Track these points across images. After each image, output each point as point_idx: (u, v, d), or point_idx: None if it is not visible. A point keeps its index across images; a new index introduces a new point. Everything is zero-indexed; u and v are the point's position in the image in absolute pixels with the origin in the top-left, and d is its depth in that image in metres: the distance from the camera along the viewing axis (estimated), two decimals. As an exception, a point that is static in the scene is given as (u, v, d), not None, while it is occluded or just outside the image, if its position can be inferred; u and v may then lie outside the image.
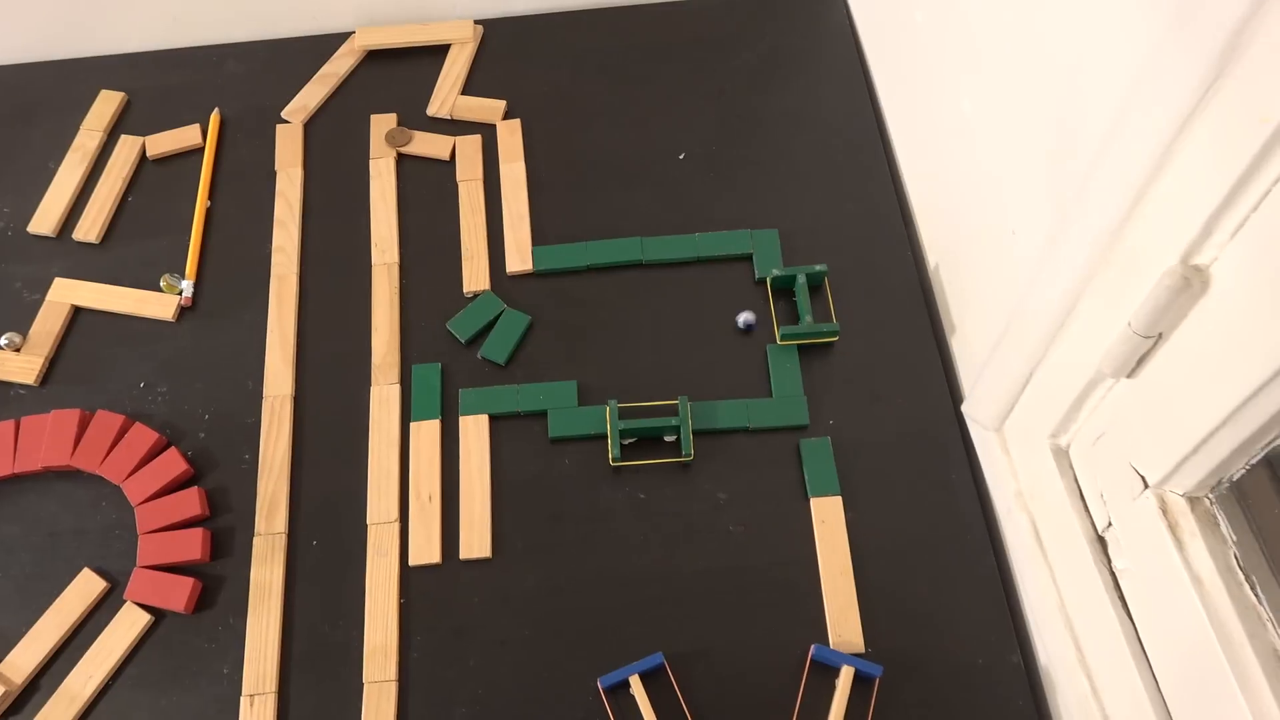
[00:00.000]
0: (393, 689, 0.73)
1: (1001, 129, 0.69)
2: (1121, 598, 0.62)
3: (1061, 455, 0.68)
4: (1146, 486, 0.57)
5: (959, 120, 0.77)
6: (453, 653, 0.75)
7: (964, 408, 0.80)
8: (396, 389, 0.84)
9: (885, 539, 0.78)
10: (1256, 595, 0.52)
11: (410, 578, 0.77)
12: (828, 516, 0.78)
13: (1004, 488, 0.74)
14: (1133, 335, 0.54)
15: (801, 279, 0.85)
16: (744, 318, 0.85)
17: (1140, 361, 0.56)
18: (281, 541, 0.78)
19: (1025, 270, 0.67)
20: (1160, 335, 0.54)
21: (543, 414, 0.83)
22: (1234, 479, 0.54)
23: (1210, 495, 0.56)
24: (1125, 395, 0.59)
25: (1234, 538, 0.54)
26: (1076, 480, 0.66)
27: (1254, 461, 0.52)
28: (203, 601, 0.77)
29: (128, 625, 0.75)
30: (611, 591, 0.76)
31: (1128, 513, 0.60)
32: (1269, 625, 0.52)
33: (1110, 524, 0.62)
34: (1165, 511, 0.56)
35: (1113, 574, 0.63)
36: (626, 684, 0.72)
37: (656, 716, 0.71)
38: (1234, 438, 0.51)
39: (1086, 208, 0.55)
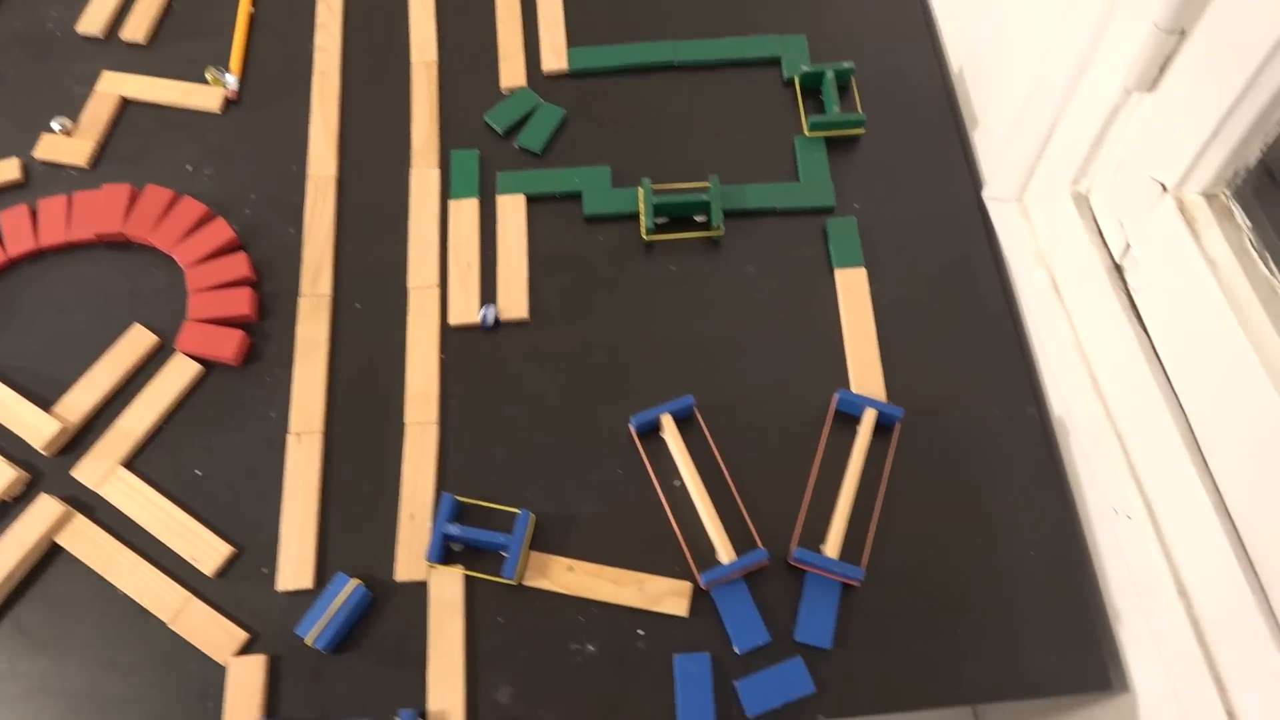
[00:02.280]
0: (434, 429, 0.76)
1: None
2: (1138, 316, 0.65)
3: (1081, 200, 0.71)
4: (1165, 191, 0.60)
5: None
6: (491, 402, 0.78)
7: (985, 192, 0.83)
8: (436, 172, 0.87)
9: (907, 307, 0.81)
10: (1270, 270, 0.55)
11: (450, 337, 0.81)
12: (852, 285, 0.81)
13: (1023, 252, 0.77)
14: (1158, 34, 0.57)
15: (829, 75, 0.88)
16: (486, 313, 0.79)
17: (1163, 69, 0.59)
18: (326, 303, 0.82)
19: (1043, 37, 0.70)
20: (1183, 32, 0.57)
21: (577, 196, 0.86)
22: (1249, 168, 0.57)
23: (1226, 190, 0.59)
24: (1146, 114, 0.62)
25: (1248, 224, 0.57)
26: (1095, 219, 0.69)
27: (1269, 143, 0.55)
28: (251, 355, 0.80)
29: (178, 373, 0.79)
30: (643, 351, 0.80)
31: (1146, 227, 0.63)
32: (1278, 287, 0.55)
33: (1128, 247, 0.65)
34: (1183, 210, 0.59)
35: (1129, 295, 0.66)
36: (657, 429, 0.76)
37: (689, 454, 0.74)
38: (1245, 119, 0.54)
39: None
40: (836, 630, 0.69)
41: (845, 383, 0.78)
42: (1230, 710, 0.56)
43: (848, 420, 0.76)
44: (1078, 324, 0.71)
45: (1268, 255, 0.55)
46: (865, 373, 0.78)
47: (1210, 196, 0.59)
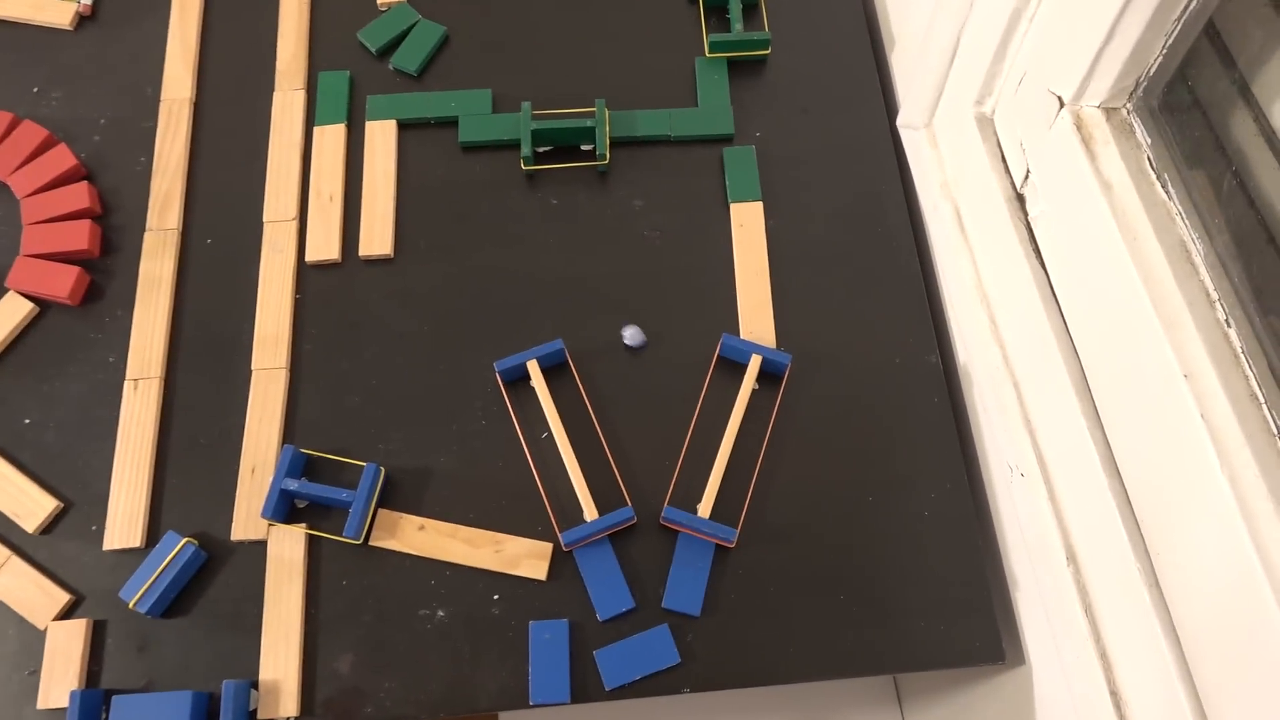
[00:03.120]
0: (282, 375, 0.70)
1: None
2: (1037, 250, 0.58)
3: (985, 123, 0.63)
4: (1062, 106, 0.53)
5: None
6: (348, 345, 0.71)
7: (899, 119, 0.75)
8: (301, 95, 0.79)
9: (807, 246, 0.74)
10: (1167, 193, 0.49)
11: (307, 276, 0.74)
12: (747, 220, 0.74)
13: (930, 183, 0.70)
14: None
15: (734, -11, 0.80)
16: (630, 334, 0.70)
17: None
18: (174, 238, 0.75)
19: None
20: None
21: (454, 122, 0.78)
22: (1150, 77, 0.49)
23: (1127, 105, 0.51)
24: (1043, 17, 0.55)
25: (1148, 141, 0.50)
26: (999, 143, 0.62)
27: (1170, 45, 0.47)
28: (91, 294, 0.73)
29: (9, 313, 0.72)
30: (517, 291, 0.73)
31: (1044, 148, 0.56)
32: (1177, 219, 0.48)
33: (1028, 173, 0.58)
34: (1080, 127, 0.52)
35: (1028, 226, 0.59)
36: (527, 377, 0.69)
37: (555, 407, 0.68)
38: (1140, 18, 0.46)
39: None
40: (708, 597, 0.63)
41: (735, 327, 0.71)
42: (1115, 689, 0.51)
43: (734, 368, 0.70)
44: (980, 261, 0.64)
45: (1166, 178, 0.48)
46: (756, 316, 0.71)
47: (1110, 110, 0.51)
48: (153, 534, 0.66)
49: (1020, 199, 0.60)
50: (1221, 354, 0.44)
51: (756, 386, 0.68)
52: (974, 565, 0.64)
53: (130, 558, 0.65)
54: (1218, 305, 0.45)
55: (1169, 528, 0.47)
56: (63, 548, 0.66)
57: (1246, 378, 0.43)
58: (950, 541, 0.65)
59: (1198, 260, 0.47)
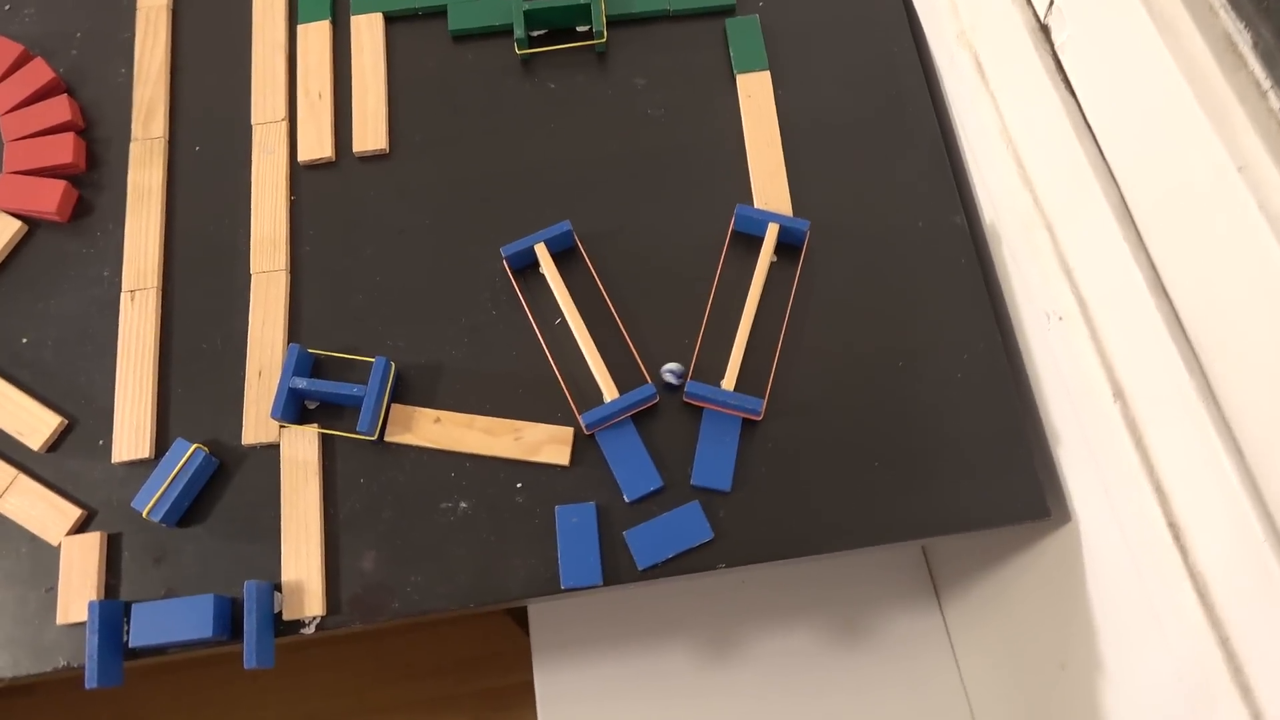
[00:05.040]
0: (283, 278, 0.67)
1: None
2: (1065, 79, 0.55)
3: (1004, -44, 0.60)
4: (1090, -88, 0.50)
5: None
6: (348, 244, 0.69)
7: (908, -23, 0.72)
8: (283, -7, 0.76)
9: (818, 113, 0.71)
10: (1210, -14, 0.45)
11: (300, 177, 0.71)
12: (755, 91, 0.71)
13: (945, 34, 0.66)
14: None
15: None
16: (671, 371, 0.63)
17: None
18: (161, 146, 0.72)
19: None
20: None
21: (442, 11, 0.75)
22: None
23: (1161, -100, 0.48)
24: None
25: (1186, -65, 0.47)
26: (1019, -27, 0.59)
27: None
28: (80, 210, 0.71)
29: (-2, 233, 0.70)
30: (519, 179, 0.70)
31: (1071, -34, 0.52)
32: (1220, 11, 0.45)
33: (1051, 4, 0.55)
34: (1110, -69, 0.49)
35: (1055, 56, 0.55)
36: (536, 264, 0.67)
37: (568, 290, 0.65)
38: None
39: None
40: (737, 472, 0.61)
41: (748, 201, 0.68)
42: (1173, 520, 0.49)
43: (750, 241, 0.67)
44: (1003, 106, 0.61)
45: (1209, -31, 0.45)
46: (770, 187, 0.68)
47: (1143, -90, 0.48)
48: (161, 444, 0.64)
49: (1045, 29, 0.56)
50: (1277, 142, 0.41)
51: (775, 259, 0.66)
52: (1011, 422, 0.62)
53: (140, 469, 0.63)
54: (1269, 94, 0.42)
55: (1226, 336, 0.44)
56: (70, 464, 0.64)
57: (1306, 163, 0.40)
58: (985, 401, 0.63)
59: (1245, 50, 0.43)
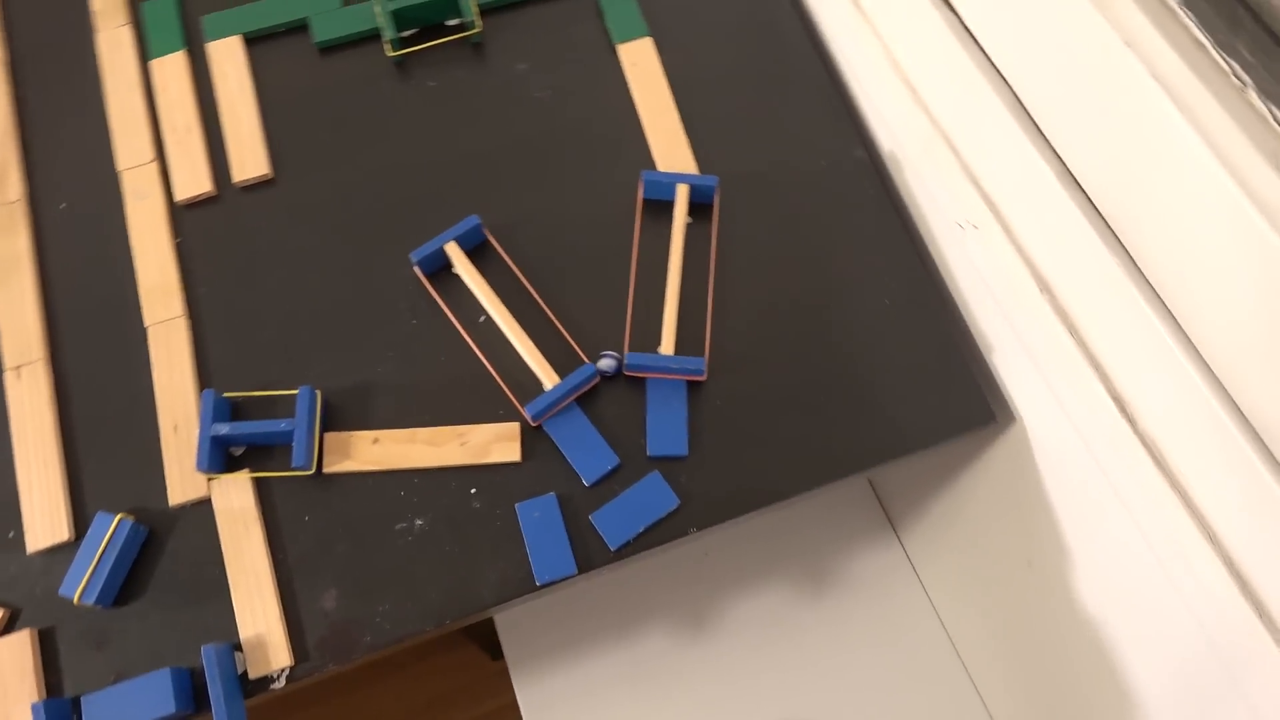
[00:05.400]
0: (182, 324, 0.63)
1: None
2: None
3: (860, -113, 0.61)
4: None
5: None
6: (247, 277, 0.65)
7: (766, -73, 0.73)
8: (127, 30, 0.72)
9: (706, 72, 0.71)
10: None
11: (182, 217, 0.67)
12: (639, 59, 0.70)
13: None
14: None
15: None
16: (607, 356, 0.62)
17: None
18: (21, 209, 0.66)
19: None
20: None
21: (304, 25, 0.72)
22: None
23: None
24: None
25: None
26: (878, -98, 0.60)
27: None
28: (-60, 292, 0.65)
29: None
30: (415, 182, 0.68)
31: (928, -116, 0.54)
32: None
33: (916, -80, 0.56)
34: None
35: (928, -26, 0.57)
36: (449, 266, 0.65)
37: (487, 284, 0.63)
38: None
39: None
40: (691, 434, 0.61)
41: (651, 166, 0.68)
42: (1117, 395, 0.50)
43: (662, 206, 0.66)
44: (884, 33, 0.62)
45: None
46: (671, 150, 0.68)
47: None
48: (80, 522, 0.59)
49: (912, -50, 0.58)
50: (1157, 13, 0.43)
51: (690, 219, 0.65)
52: (943, 338, 0.63)
53: (62, 554, 0.59)
54: (1141, -29, 0.44)
55: (1139, 207, 0.46)
56: (-19, 563, 0.59)
57: (1186, 27, 0.42)
58: (914, 323, 0.64)
59: (1110, -68, 0.45)
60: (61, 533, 0.59)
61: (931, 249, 0.67)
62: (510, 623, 0.85)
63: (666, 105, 0.69)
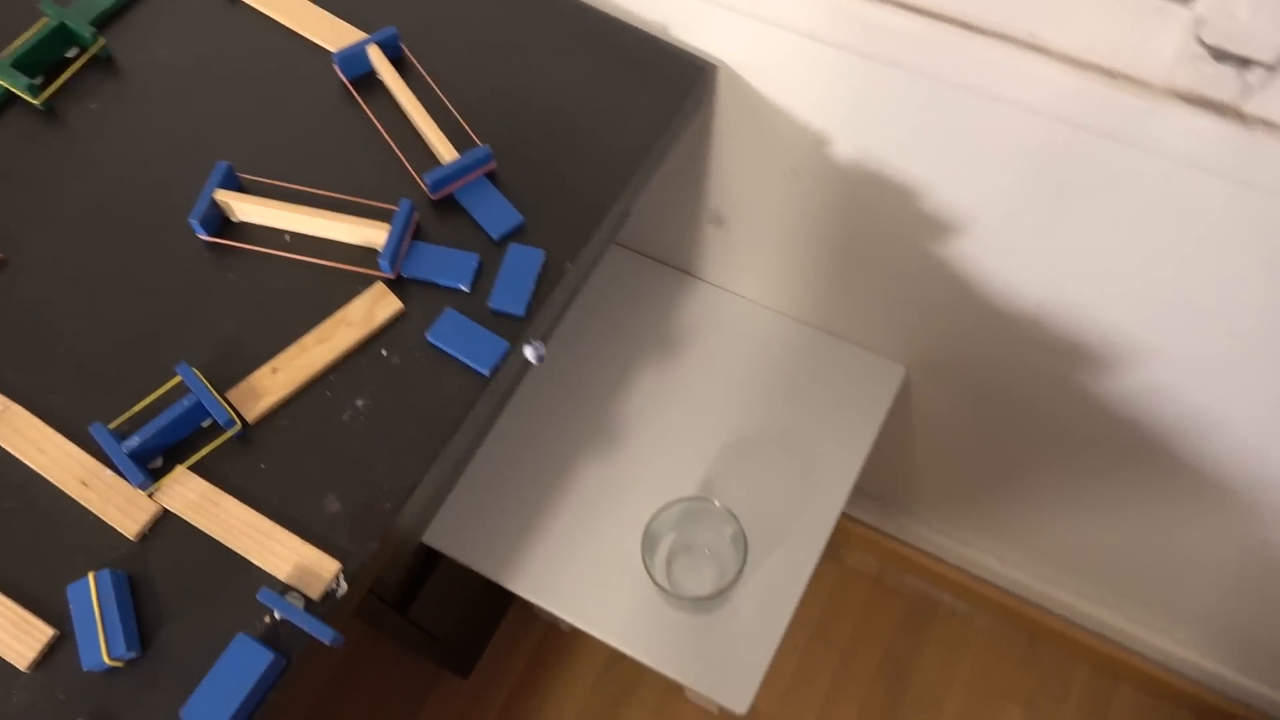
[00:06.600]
0: (20, 411, 0.60)
1: None
2: None
3: None
4: None
5: None
6: (37, 343, 0.63)
7: None
8: None
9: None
10: None
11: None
12: (260, -10, 0.76)
13: None
14: None
15: None
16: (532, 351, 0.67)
17: None
18: None
19: None
20: None
21: (-70, 127, 0.69)
22: None
23: None
24: None
25: None
26: None
27: None
28: None
29: None
30: (152, 178, 0.69)
31: None
32: None
33: None
34: None
35: None
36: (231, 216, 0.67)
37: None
38: None
39: None
40: (518, 208, 0.69)
41: (329, 65, 0.74)
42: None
43: (368, 78, 0.73)
44: None
45: None
46: (337, 35, 0.74)
47: None
48: (53, 613, 0.56)
49: None
50: None
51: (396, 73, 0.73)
52: (624, 49, 0.76)
53: (58, 650, 0.55)
54: None
55: None
56: (-21, 720, 0.54)
57: None
58: (598, 56, 0.75)
59: None
60: (45, 632, 0.55)
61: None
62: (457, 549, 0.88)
63: (301, 4, 0.75)
